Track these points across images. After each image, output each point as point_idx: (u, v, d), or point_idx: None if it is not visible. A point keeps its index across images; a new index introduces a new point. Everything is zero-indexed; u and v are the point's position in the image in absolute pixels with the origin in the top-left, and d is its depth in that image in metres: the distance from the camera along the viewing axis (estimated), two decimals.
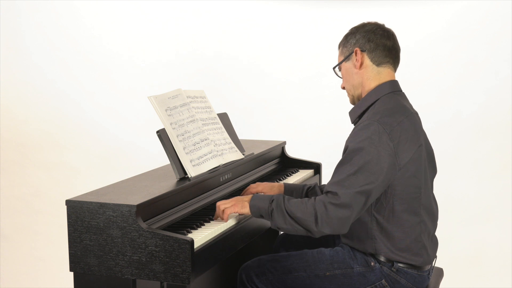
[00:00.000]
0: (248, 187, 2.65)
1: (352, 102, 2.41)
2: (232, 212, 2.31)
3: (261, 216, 2.27)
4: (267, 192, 2.61)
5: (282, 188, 2.65)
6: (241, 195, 2.55)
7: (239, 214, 2.38)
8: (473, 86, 4.37)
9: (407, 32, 4.36)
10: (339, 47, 2.44)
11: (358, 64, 2.32)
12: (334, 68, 2.44)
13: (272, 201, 2.23)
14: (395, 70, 2.38)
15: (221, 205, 2.32)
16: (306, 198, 2.20)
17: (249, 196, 2.32)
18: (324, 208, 2.11)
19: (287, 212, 2.18)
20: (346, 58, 2.37)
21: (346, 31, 2.44)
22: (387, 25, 2.41)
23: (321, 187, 2.69)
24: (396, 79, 2.37)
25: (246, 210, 2.30)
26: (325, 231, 2.14)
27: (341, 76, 2.43)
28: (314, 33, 4.41)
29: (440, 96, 4.41)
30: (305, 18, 4.51)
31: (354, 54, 2.33)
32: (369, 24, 2.38)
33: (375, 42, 2.32)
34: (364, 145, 2.15)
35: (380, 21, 2.40)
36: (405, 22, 4.36)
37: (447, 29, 4.38)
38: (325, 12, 4.46)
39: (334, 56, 2.61)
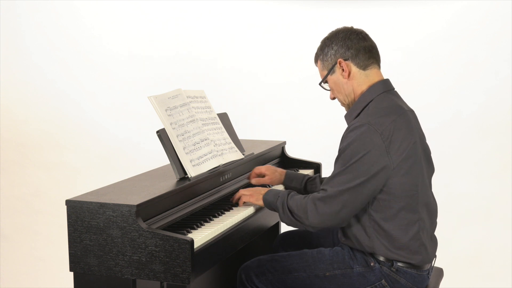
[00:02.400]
0: (254, 169, 2.82)
1: (348, 109, 2.42)
2: (247, 201, 2.51)
3: (273, 210, 2.42)
4: (269, 174, 2.78)
5: (284, 174, 2.80)
6: (248, 175, 2.81)
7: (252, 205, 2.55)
8: (473, 86, 4.37)
9: (407, 32, 4.36)
10: (316, 61, 2.44)
11: (346, 74, 2.33)
12: (320, 83, 2.44)
13: (278, 197, 2.37)
14: (380, 67, 2.39)
15: (241, 191, 2.54)
16: (304, 195, 2.32)
17: (266, 189, 2.48)
18: (313, 205, 2.24)
19: (288, 208, 2.31)
20: (330, 71, 2.36)
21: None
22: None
23: (322, 180, 2.76)
24: (384, 76, 2.37)
25: (260, 202, 2.48)
26: (315, 226, 2.26)
27: (328, 89, 2.44)
28: (314, 33, 4.40)
29: (440, 96, 4.41)
30: (305, 18, 4.52)
31: (338, 65, 2.34)
32: (340, 31, 2.37)
33: (354, 48, 2.32)
34: (353, 146, 2.19)
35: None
36: (405, 22, 4.36)
37: (447, 29, 4.38)
38: (325, 12, 4.46)
39: None
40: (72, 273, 2.18)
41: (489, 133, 4.34)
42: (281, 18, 4.56)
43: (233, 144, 2.77)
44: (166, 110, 2.44)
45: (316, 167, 3.27)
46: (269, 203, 2.42)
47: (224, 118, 2.89)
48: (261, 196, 2.47)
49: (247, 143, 3.16)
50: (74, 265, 2.16)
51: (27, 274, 4.30)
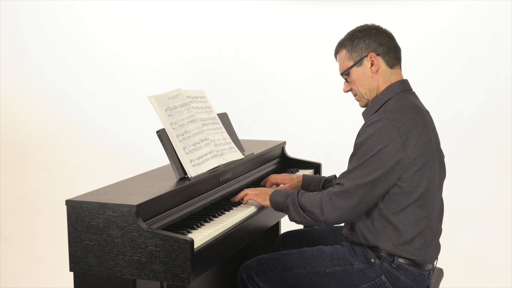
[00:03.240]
0: (268, 177, 2.83)
1: (365, 105, 2.41)
2: (253, 200, 2.51)
3: (280, 210, 2.42)
4: (287, 182, 2.78)
5: (301, 179, 2.79)
6: (262, 184, 2.79)
7: (256, 205, 2.56)
8: (473, 86, 4.37)
9: (407, 32, 4.36)
10: (339, 50, 2.41)
11: (375, 69, 2.33)
12: (343, 73, 2.40)
13: (288, 196, 2.37)
14: (401, 69, 2.41)
15: (247, 189, 2.55)
16: (317, 191, 2.32)
17: (272, 190, 2.49)
18: (329, 199, 2.24)
19: (300, 205, 2.31)
20: (357, 62, 2.36)
21: (345, 31, 2.43)
22: (387, 25, 2.42)
23: None
24: (404, 77, 2.38)
25: (266, 203, 2.48)
26: (330, 221, 2.25)
27: (348, 80, 2.41)
28: (314, 33, 4.40)
29: (440, 96, 4.41)
30: (305, 18, 4.51)
31: (368, 58, 2.33)
32: (372, 27, 2.38)
33: (386, 45, 2.34)
34: (370, 140, 2.20)
35: (381, 21, 2.41)
36: (405, 22, 4.36)
37: (447, 29, 4.38)
38: (325, 12, 4.45)
39: (333, 56, 2.59)
40: (72, 273, 2.18)
41: (489, 133, 4.34)
42: (281, 18, 4.56)
43: (233, 144, 2.77)
44: (166, 110, 2.44)
45: (316, 167, 3.27)
46: (277, 203, 2.42)
47: (224, 118, 2.89)
48: (267, 197, 2.47)
49: (247, 143, 3.16)
50: (74, 265, 2.16)
51: (27, 274, 4.30)
